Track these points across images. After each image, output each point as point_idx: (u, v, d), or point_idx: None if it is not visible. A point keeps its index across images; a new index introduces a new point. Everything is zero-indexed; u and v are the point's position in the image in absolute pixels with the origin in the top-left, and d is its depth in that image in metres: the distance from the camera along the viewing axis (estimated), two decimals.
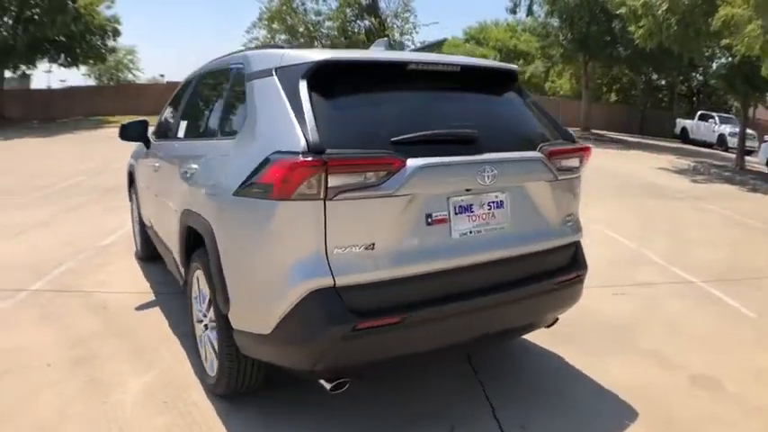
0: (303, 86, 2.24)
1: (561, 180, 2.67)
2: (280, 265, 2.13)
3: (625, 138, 24.71)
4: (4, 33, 24.89)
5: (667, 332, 3.82)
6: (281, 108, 2.24)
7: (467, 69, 2.68)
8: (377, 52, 3.20)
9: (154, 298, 4.15)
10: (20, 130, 20.46)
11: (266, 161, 2.14)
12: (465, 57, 3.46)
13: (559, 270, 2.71)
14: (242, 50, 3.18)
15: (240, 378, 2.60)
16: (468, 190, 2.33)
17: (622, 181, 11.42)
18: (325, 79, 2.28)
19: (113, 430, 2.52)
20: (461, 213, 2.33)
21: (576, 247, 2.87)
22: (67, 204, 7.50)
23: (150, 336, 3.48)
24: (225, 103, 3.00)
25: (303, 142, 2.06)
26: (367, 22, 27.27)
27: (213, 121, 3.11)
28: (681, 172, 14.22)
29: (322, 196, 2.02)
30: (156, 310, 3.91)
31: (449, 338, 2.43)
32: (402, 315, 2.16)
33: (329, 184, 2.01)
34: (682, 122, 25.92)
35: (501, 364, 3.25)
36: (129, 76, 43.89)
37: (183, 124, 3.67)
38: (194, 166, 2.91)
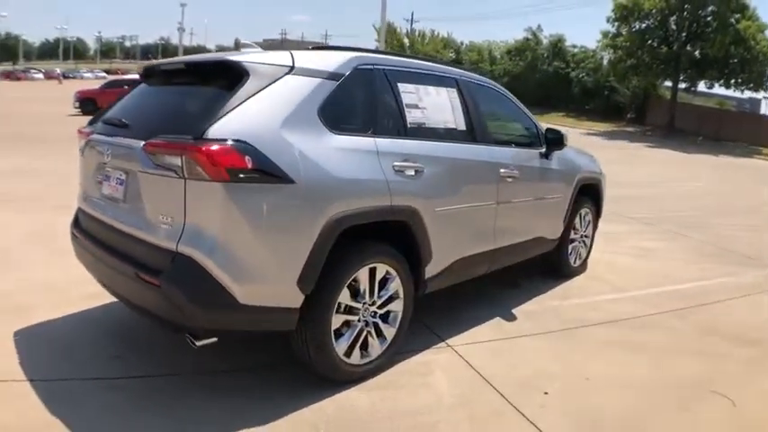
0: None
1: (148, 174, 2.62)
2: None
3: None
4: (673, 46, 27.30)
5: None
6: None
7: (190, 66, 3.14)
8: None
9: None
10: (682, 143, 22.86)
11: None
12: (201, 55, 3.63)
13: (147, 267, 2.58)
14: None
15: None
16: (104, 164, 3.02)
17: None
18: (141, 78, 3.45)
19: None
20: (105, 181, 3.03)
21: (176, 258, 2.47)
22: None
23: None
24: None
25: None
26: None
27: None
28: None
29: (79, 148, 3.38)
30: None
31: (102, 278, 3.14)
32: (81, 235, 3.23)
33: (81, 142, 3.33)
34: None
35: None
36: None
37: None
38: None
